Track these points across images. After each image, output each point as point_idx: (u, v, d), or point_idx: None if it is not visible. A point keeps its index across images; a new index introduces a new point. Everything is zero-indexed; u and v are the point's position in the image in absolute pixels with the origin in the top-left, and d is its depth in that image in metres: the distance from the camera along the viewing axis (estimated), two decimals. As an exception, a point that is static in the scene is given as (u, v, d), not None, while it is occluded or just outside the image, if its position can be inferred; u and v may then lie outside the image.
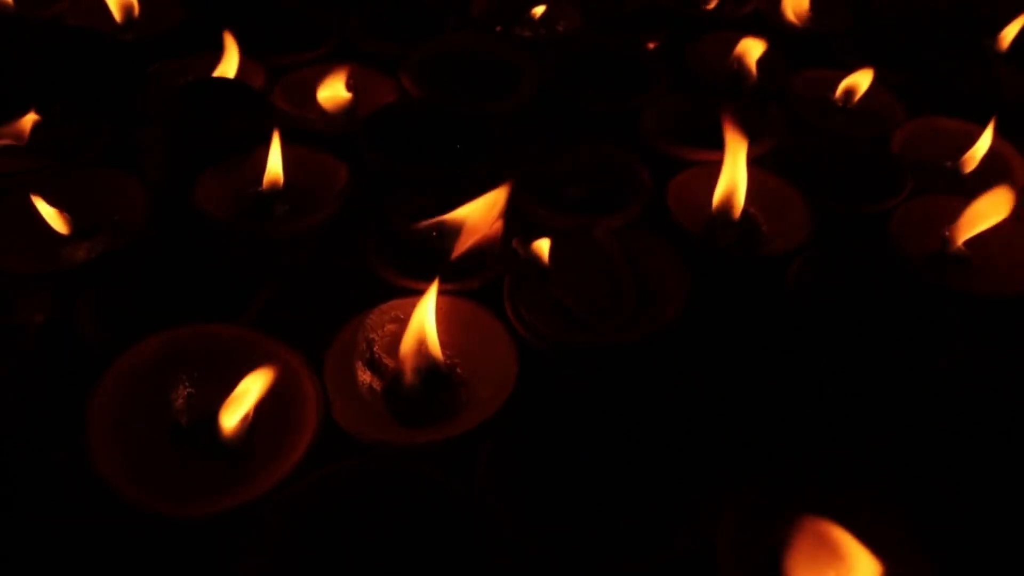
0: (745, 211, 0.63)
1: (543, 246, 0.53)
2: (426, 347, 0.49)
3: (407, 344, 0.49)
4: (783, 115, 0.72)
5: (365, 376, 0.51)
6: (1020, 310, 0.60)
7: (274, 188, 0.61)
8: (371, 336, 0.52)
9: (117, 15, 0.79)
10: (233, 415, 0.45)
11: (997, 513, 0.49)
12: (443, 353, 0.51)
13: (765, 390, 0.52)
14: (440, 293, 0.53)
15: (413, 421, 0.49)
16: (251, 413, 0.46)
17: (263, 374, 0.45)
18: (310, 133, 0.69)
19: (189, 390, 0.48)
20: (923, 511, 0.47)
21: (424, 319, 0.49)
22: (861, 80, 0.73)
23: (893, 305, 0.57)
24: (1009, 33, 0.83)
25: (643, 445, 0.46)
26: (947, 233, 0.61)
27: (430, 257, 0.57)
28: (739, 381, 0.52)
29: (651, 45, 0.88)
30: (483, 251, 0.56)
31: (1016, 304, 0.59)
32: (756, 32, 0.84)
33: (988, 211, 0.59)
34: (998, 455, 0.52)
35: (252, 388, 0.46)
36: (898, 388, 0.53)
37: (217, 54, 0.73)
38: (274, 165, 0.60)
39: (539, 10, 0.83)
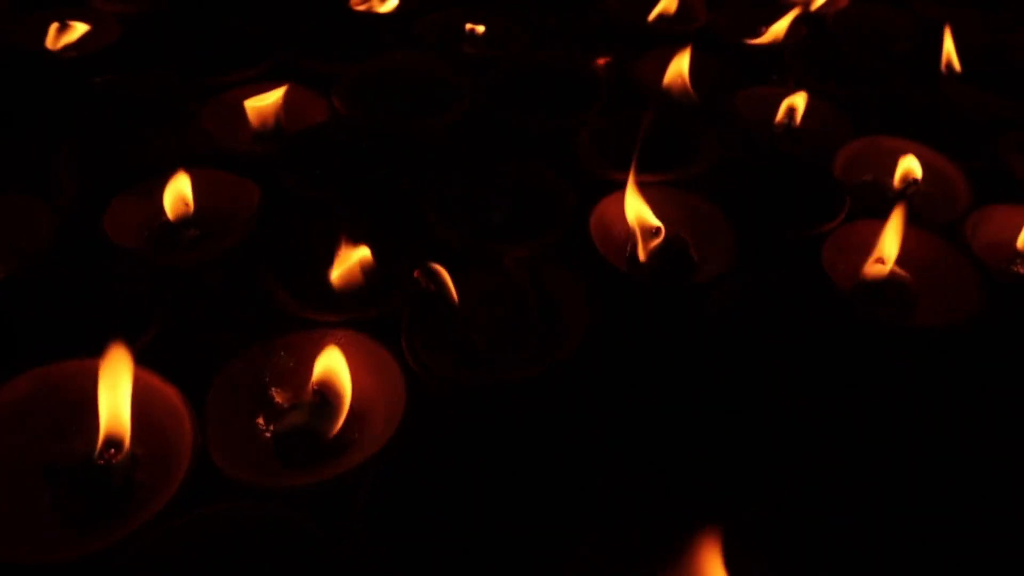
0: (675, 236, 0.61)
1: (447, 276, 0.51)
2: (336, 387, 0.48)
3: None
4: (723, 133, 0.70)
5: (254, 412, 0.49)
6: (962, 340, 0.57)
7: (184, 215, 0.59)
8: (262, 370, 0.50)
9: (53, 33, 0.78)
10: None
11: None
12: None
13: (672, 427, 0.50)
14: (338, 324, 0.52)
15: (299, 460, 0.47)
16: (129, 448, 0.45)
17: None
18: (237, 154, 0.68)
19: (66, 428, 0.46)
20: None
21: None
22: (798, 101, 0.71)
23: (821, 336, 0.55)
24: (949, 49, 0.80)
25: (530, 488, 0.44)
26: (879, 258, 0.59)
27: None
28: (643, 416, 0.50)
29: (601, 61, 0.86)
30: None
31: (958, 333, 0.56)
32: (707, 47, 0.83)
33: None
34: (922, 503, 0.50)
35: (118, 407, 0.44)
36: (813, 426, 0.51)
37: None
38: (181, 195, 0.59)
39: (479, 28, 0.81)
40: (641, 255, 0.58)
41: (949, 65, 0.81)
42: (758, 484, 0.50)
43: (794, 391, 0.51)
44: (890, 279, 0.59)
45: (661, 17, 0.87)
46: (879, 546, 0.48)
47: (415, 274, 0.51)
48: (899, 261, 0.59)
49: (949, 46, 0.81)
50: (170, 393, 0.46)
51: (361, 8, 0.85)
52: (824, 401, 0.51)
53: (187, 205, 0.59)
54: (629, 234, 0.60)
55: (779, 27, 0.83)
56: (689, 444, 0.50)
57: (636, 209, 0.59)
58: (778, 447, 0.51)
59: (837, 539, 0.48)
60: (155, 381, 0.47)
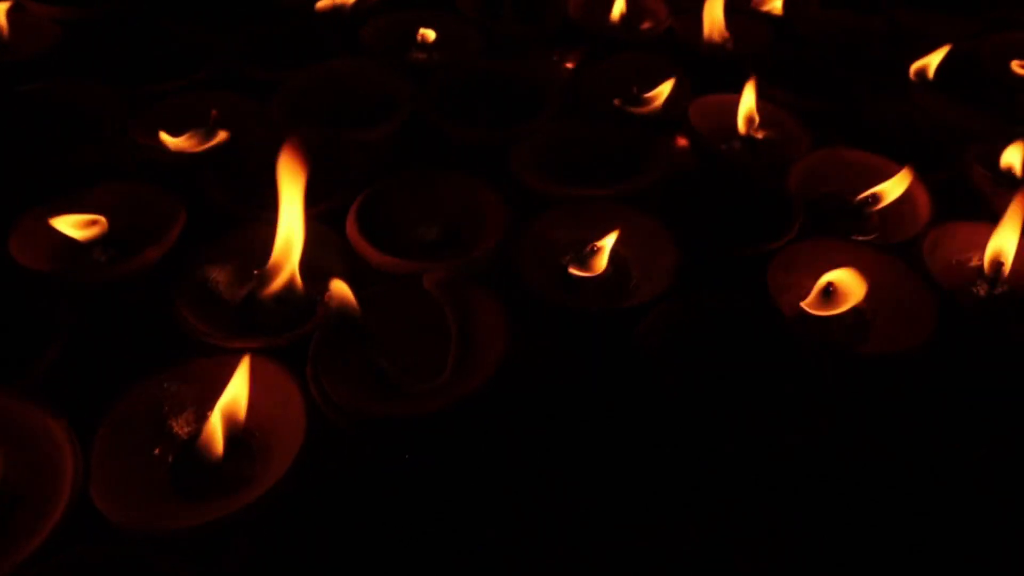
0: (615, 253, 0.59)
1: (357, 299, 0.48)
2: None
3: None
4: (674, 144, 0.67)
5: (152, 444, 0.46)
6: (916, 366, 0.54)
7: (96, 236, 0.56)
8: (161, 399, 0.47)
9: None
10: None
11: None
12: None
13: (597, 465, 0.47)
14: (248, 351, 0.49)
15: (196, 496, 0.44)
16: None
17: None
18: (168, 166, 0.65)
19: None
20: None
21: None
22: (755, 110, 0.68)
23: (764, 364, 0.52)
24: (933, 61, 0.76)
25: (439, 534, 0.41)
26: (830, 285, 0.55)
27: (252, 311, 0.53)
28: (565, 452, 0.47)
29: (569, 65, 0.83)
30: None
31: (911, 359, 0.53)
32: (667, 53, 0.80)
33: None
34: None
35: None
36: (754, 459, 0.48)
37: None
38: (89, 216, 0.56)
39: (429, 33, 0.78)
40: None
41: (920, 72, 0.78)
42: (693, 519, 0.47)
43: (734, 423, 0.48)
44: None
45: (623, 21, 0.84)
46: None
47: (324, 297, 0.49)
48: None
49: (934, 58, 0.77)
50: (54, 427, 0.44)
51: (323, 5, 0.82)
52: (768, 433, 0.48)
53: (99, 225, 0.56)
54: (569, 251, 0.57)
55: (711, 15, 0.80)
56: (617, 483, 0.47)
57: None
58: (714, 483, 0.48)
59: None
60: (39, 414, 0.44)
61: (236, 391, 0.44)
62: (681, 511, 0.47)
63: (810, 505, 0.49)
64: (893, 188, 0.62)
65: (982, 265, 0.58)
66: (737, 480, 0.47)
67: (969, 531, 0.49)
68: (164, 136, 0.62)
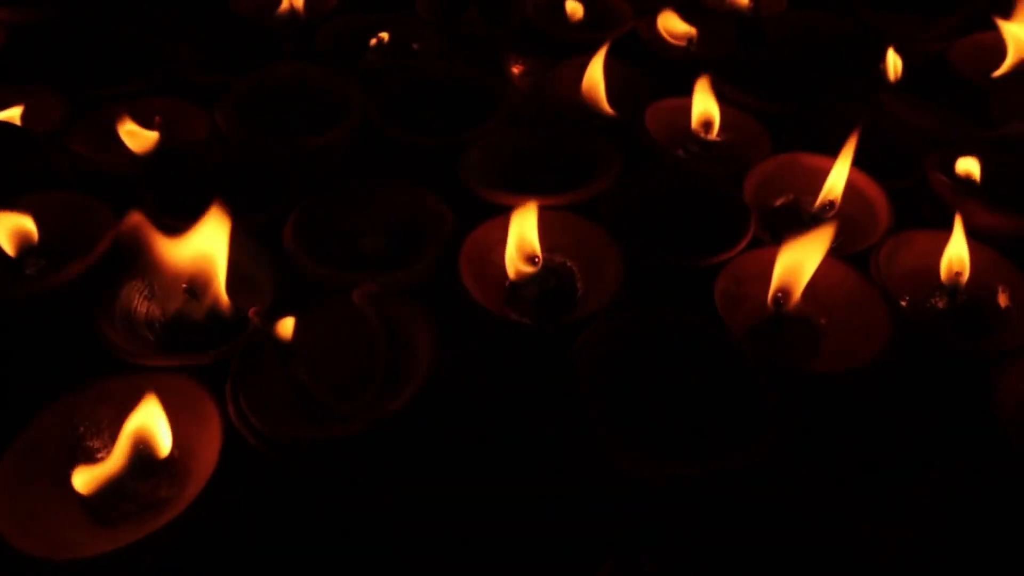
0: (561, 264, 0.57)
1: (286, 315, 0.47)
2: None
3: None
4: (629, 150, 0.65)
5: (66, 466, 0.44)
6: (869, 383, 0.52)
7: (27, 244, 0.55)
8: (77, 419, 0.45)
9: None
10: None
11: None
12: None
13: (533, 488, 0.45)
14: (172, 369, 0.47)
15: (108, 521, 0.43)
16: None
17: None
18: (107, 175, 0.63)
19: None
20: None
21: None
22: (714, 113, 0.66)
23: (709, 382, 0.50)
24: (892, 59, 0.74)
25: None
26: (778, 293, 0.53)
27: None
28: (498, 474, 0.46)
29: (516, 70, 0.81)
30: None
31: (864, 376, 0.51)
32: (629, 56, 0.78)
33: (798, 261, 0.51)
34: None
35: None
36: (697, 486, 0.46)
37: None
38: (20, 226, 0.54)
39: (384, 36, 0.76)
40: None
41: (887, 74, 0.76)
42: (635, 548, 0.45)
43: (674, 446, 0.47)
44: (793, 315, 0.54)
45: (583, 24, 0.82)
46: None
47: (251, 313, 0.47)
48: (805, 293, 0.54)
49: (892, 57, 0.75)
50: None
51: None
52: (710, 457, 0.46)
53: (30, 235, 0.55)
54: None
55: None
56: (550, 505, 0.46)
57: (520, 231, 0.54)
58: (655, 508, 0.46)
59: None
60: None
61: (143, 421, 0.43)
62: (612, 536, 0.45)
63: (751, 531, 0.47)
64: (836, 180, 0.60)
65: (940, 276, 0.56)
66: (671, 505, 0.45)
67: (924, 553, 0.47)
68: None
